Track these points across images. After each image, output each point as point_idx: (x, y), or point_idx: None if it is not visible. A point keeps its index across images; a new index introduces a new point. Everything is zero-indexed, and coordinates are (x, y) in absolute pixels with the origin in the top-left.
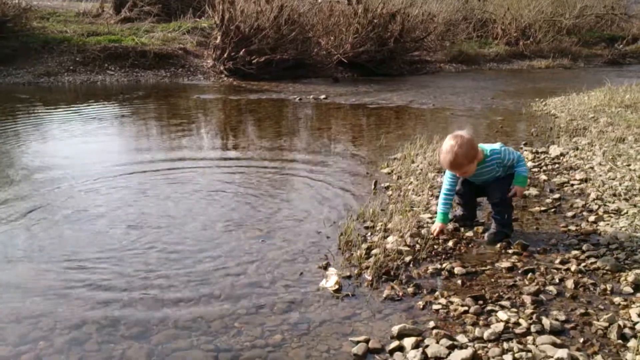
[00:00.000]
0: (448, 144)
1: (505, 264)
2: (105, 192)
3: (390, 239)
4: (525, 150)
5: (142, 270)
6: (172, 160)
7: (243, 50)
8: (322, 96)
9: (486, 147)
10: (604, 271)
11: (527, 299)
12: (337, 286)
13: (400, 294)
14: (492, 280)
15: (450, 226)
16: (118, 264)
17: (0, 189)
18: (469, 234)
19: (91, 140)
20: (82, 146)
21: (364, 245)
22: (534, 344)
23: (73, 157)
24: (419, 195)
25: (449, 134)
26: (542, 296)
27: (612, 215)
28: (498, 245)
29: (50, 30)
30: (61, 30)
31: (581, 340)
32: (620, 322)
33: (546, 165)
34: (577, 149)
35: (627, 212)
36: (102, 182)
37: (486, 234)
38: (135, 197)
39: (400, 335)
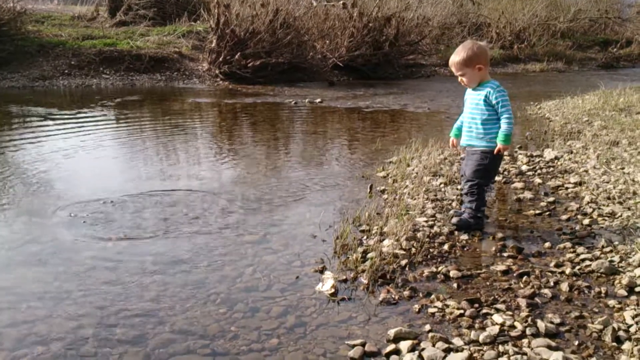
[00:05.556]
0: (464, 43)
1: (500, 267)
2: (102, 197)
3: (386, 242)
4: (520, 154)
5: (137, 274)
6: (166, 163)
7: (238, 53)
8: (318, 100)
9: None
10: (599, 274)
11: (522, 302)
12: (333, 290)
13: (396, 297)
14: (488, 283)
15: (446, 229)
16: (114, 268)
17: None
18: (464, 237)
19: (87, 145)
20: (79, 151)
21: (360, 249)
22: (529, 346)
23: (68, 162)
24: (415, 199)
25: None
26: (537, 299)
27: (606, 218)
28: (493, 248)
29: (45, 34)
30: (56, 33)
31: (576, 343)
32: (615, 325)
33: (541, 168)
34: (572, 152)
35: (621, 216)
36: (98, 187)
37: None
38: (130, 202)
39: (397, 339)
